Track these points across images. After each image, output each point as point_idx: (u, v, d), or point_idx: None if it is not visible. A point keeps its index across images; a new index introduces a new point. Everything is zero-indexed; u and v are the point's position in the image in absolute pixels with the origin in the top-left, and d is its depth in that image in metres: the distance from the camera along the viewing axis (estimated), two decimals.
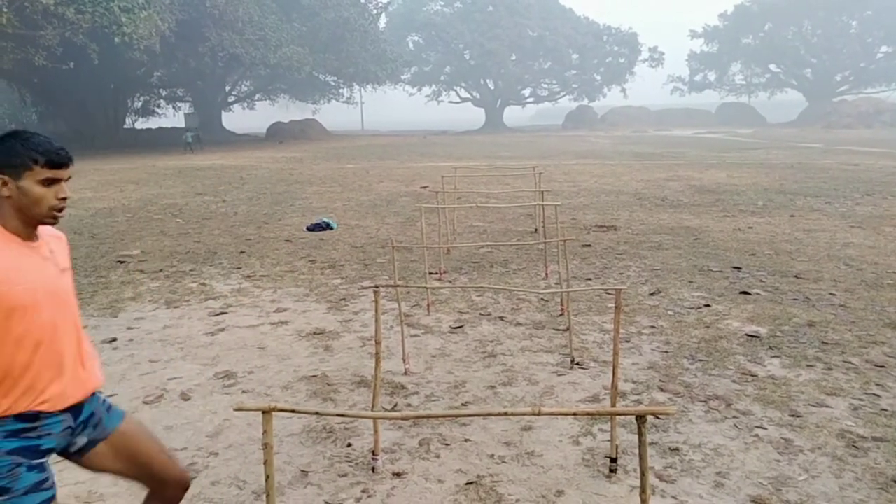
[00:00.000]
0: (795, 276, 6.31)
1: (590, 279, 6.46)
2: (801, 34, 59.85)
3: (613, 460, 2.91)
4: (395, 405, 3.71)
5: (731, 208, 10.80)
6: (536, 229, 8.99)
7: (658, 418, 3.38)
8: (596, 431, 3.30)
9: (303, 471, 2.99)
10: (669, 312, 5.28)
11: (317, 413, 2.18)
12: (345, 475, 2.95)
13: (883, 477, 2.82)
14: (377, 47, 42.94)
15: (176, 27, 27.90)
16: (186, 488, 2.07)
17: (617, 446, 2.93)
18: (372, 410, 3.04)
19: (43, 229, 1.84)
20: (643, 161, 21.30)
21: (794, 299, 5.55)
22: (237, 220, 10.60)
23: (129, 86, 38.77)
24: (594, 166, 19.52)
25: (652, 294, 5.84)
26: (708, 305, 5.43)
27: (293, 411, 1.81)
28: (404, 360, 4.23)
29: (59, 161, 1.76)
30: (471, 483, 2.86)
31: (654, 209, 10.90)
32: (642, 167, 18.93)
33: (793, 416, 3.42)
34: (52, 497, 1.73)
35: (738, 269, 6.68)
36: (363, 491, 2.82)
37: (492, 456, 3.09)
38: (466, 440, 3.24)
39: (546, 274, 6.63)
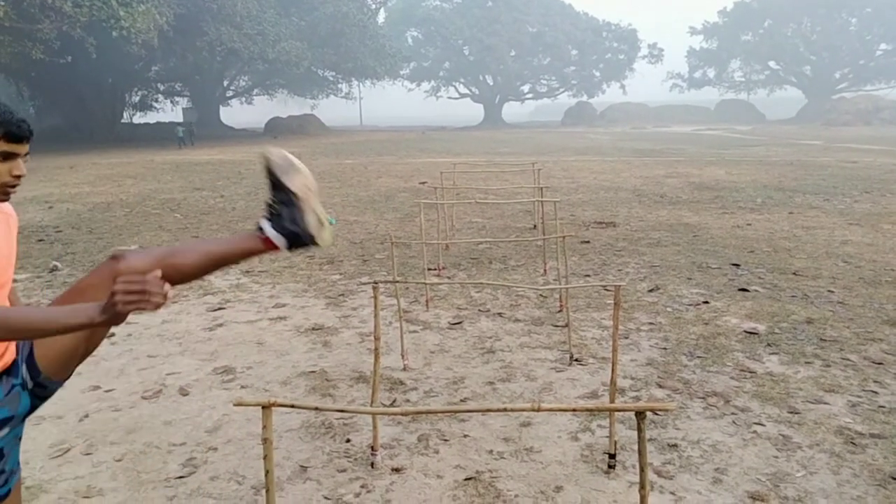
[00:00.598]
0: (794, 273, 6.31)
1: (588, 276, 6.46)
2: (800, 31, 59.85)
3: (612, 456, 2.91)
4: (394, 401, 3.71)
5: (729, 205, 10.81)
6: (535, 226, 8.99)
7: (657, 414, 3.39)
8: (594, 427, 3.30)
9: (302, 466, 2.99)
10: (668, 309, 5.29)
11: (316, 408, 2.18)
12: (344, 470, 2.95)
13: (881, 473, 2.83)
14: (376, 42, 42.88)
15: (174, 21, 27.83)
16: (126, 259, 1.68)
17: (616, 442, 2.94)
18: (371, 406, 3.04)
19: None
20: (642, 158, 21.30)
21: (793, 296, 5.55)
22: (235, 215, 10.58)
23: (127, 80, 38.67)
24: (593, 163, 19.51)
25: (650, 291, 5.84)
26: (706, 302, 5.44)
27: (293, 406, 1.81)
28: (403, 356, 4.23)
29: (18, 134, 1.61)
30: (470, 478, 2.86)
31: (652, 206, 10.90)
32: (641, 164, 18.93)
33: (791, 412, 3.43)
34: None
35: (737, 265, 6.68)
36: (362, 486, 2.82)
37: (491, 451, 3.09)
38: (465, 436, 3.24)
39: (545, 270, 6.63)
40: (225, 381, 4.01)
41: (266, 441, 1.72)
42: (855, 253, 7.14)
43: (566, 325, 4.52)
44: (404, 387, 3.88)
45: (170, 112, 50.74)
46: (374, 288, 3.12)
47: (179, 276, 1.69)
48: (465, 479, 2.86)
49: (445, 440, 3.21)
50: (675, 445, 3.11)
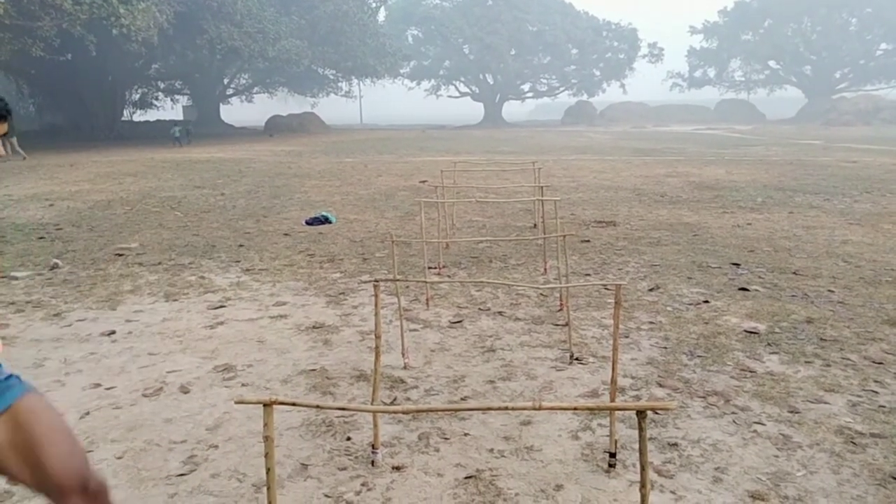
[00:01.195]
0: (794, 273, 6.32)
1: (589, 275, 6.46)
2: (800, 31, 59.81)
3: (612, 455, 2.91)
4: (395, 399, 3.71)
5: (729, 205, 10.81)
6: (535, 224, 8.99)
7: (657, 413, 3.39)
8: (595, 426, 3.30)
9: (302, 464, 2.99)
10: (668, 308, 5.29)
11: (317, 406, 2.18)
12: (344, 468, 2.95)
13: (881, 473, 2.83)
14: (376, 41, 42.84)
15: (174, 19, 27.80)
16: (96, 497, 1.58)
17: (616, 441, 2.94)
18: (371, 404, 3.05)
19: None
20: (642, 157, 21.30)
21: (793, 296, 5.56)
22: (236, 213, 10.58)
23: (127, 78, 38.63)
24: (593, 162, 19.51)
25: (651, 290, 5.84)
26: (707, 301, 5.44)
27: (294, 404, 1.81)
28: (403, 355, 4.23)
29: None
30: (470, 477, 2.86)
31: (653, 205, 10.90)
32: (641, 163, 18.93)
33: (791, 412, 3.43)
34: None
35: (737, 265, 6.69)
36: (363, 484, 2.82)
37: (491, 450, 3.09)
38: (466, 434, 3.25)
39: (545, 269, 6.64)
40: (226, 378, 4.01)
41: (267, 439, 1.73)
42: (855, 252, 7.15)
43: (566, 324, 4.52)
44: (405, 385, 3.88)
45: (170, 110, 50.70)
46: (375, 286, 3.12)
47: None
48: (466, 478, 2.86)
49: (446, 438, 3.21)
50: (675, 444, 3.11)
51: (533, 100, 73.03)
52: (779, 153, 22.16)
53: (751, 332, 4.66)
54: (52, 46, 24.71)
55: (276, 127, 43.57)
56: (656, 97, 70.38)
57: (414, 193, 12.47)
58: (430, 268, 6.60)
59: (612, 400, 2.95)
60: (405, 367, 4.13)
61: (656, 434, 3.21)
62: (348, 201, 11.74)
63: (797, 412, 3.43)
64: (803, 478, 2.81)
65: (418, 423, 3.36)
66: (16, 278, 6.43)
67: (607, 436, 3.06)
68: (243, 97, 54.65)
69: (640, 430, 1.61)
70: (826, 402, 3.54)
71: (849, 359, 4.14)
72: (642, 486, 1.69)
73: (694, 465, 2.93)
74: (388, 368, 4.08)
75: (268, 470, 1.76)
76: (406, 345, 4.30)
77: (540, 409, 1.64)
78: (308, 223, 9.45)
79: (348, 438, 3.22)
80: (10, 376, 1.60)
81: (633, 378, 3.92)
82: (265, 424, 1.71)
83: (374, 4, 45.52)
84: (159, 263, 7.10)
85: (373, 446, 3.00)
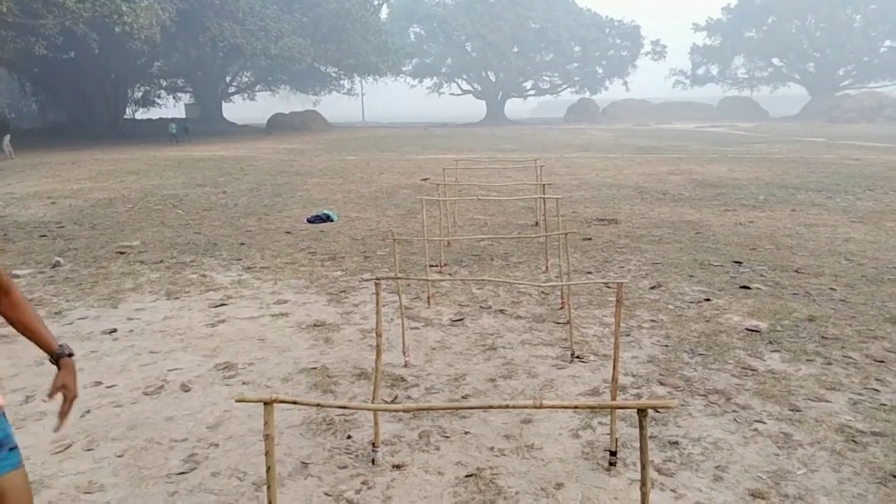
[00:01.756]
0: (796, 271, 6.30)
1: (590, 273, 6.46)
2: (804, 28, 59.62)
3: (613, 453, 2.91)
4: (396, 397, 3.72)
5: (732, 202, 10.79)
6: (537, 222, 8.98)
7: (658, 412, 3.38)
8: (595, 425, 3.30)
9: (303, 462, 2.99)
10: (670, 306, 5.28)
11: (318, 405, 2.18)
12: (345, 467, 2.95)
13: (882, 471, 2.83)
14: (378, 38, 42.80)
15: (176, 17, 27.80)
16: None
17: (617, 439, 2.94)
18: (372, 402, 3.05)
19: None
20: (644, 154, 21.26)
21: (795, 294, 5.55)
22: (237, 211, 10.59)
23: (130, 76, 38.66)
24: (595, 159, 19.48)
25: (652, 288, 5.84)
26: (708, 300, 5.43)
27: (294, 403, 1.81)
28: (404, 353, 4.23)
29: None
30: (470, 475, 2.86)
31: (655, 203, 10.89)
32: (644, 161, 18.90)
33: (792, 410, 3.43)
34: None
35: (739, 263, 6.67)
36: (363, 483, 2.82)
37: (492, 448, 3.09)
38: (466, 433, 3.25)
39: (547, 267, 6.63)
40: (226, 377, 4.02)
41: (268, 437, 1.73)
42: (857, 250, 7.13)
43: (568, 323, 4.52)
44: (405, 383, 3.89)
45: (172, 108, 50.76)
46: (376, 284, 3.12)
47: None
48: (466, 476, 2.86)
49: (446, 437, 3.21)
50: (676, 443, 3.11)
51: (535, 97, 72.91)
52: (782, 151, 22.11)
53: (752, 331, 4.65)
54: (55, 44, 24.75)
55: (278, 125, 43.56)
56: (659, 94, 70.22)
57: (416, 191, 12.47)
58: (431, 266, 6.60)
59: (613, 398, 2.95)
60: (406, 366, 4.14)
61: (657, 432, 3.20)
62: (350, 199, 11.74)
63: (798, 410, 3.42)
64: (804, 476, 2.81)
65: (419, 422, 3.36)
66: (18, 276, 6.45)
67: (608, 434, 3.05)
68: (245, 95, 54.66)
69: (641, 428, 1.61)
70: (827, 401, 3.53)
71: (850, 357, 4.13)
72: (643, 484, 1.69)
73: (694, 464, 2.93)
74: (389, 367, 4.08)
75: (268, 468, 1.76)
76: (407, 343, 4.30)
77: (541, 407, 1.63)
78: (310, 221, 9.46)
79: (349, 437, 3.22)
80: (13, 449, 1.70)
81: (634, 376, 3.92)
82: (266, 423, 1.72)
83: (376, 2, 45.48)
84: (161, 261, 7.11)
85: (373, 444, 3.00)
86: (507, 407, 1.68)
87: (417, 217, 9.49)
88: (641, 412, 1.62)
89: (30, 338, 1.88)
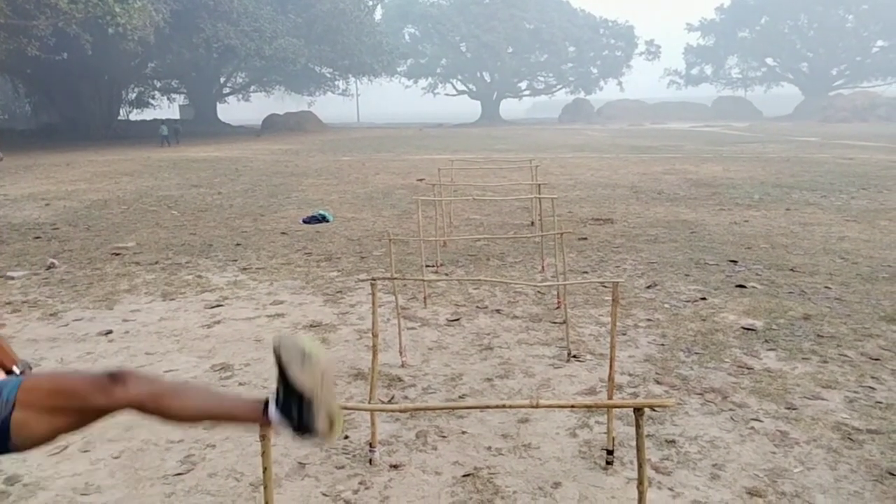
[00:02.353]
0: (791, 270, 6.33)
1: (586, 272, 6.46)
2: (797, 28, 59.90)
3: (610, 452, 2.92)
4: (392, 397, 3.71)
5: (727, 202, 10.82)
6: (533, 222, 8.98)
7: (655, 411, 3.39)
8: (592, 424, 3.30)
9: (300, 463, 2.99)
10: (666, 305, 5.29)
11: None
12: (342, 467, 2.95)
13: (878, 469, 2.84)
14: (373, 39, 42.75)
15: (170, 18, 27.72)
16: (125, 383, 1.61)
17: (614, 438, 2.94)
18: (369, 403, 3.04)
19: None
20: (639, 154, 21.31)
21: (790, 292, 5.57)
22: (233, 212, 10.56)
23: (124, 77, 38.53)
24: (591, 159, 19.52)
25: (648, 287, 5.85)
26: (704, 299, 5.45)
27: None
28: (401, 353, 4.22)
29: None
30: (468, 475, 2.86)
31: (650, 202, 10.91)
32: (639, 160, 18.94)
33: (788, 408, 3.44)
34: None
35: (735, 262, 6.69)
36: (360, 483, 2.82)
37: (489, 448, 3.09)
38: (463, 432, 3.25)
39: (543, 267, 6.64)
40: (223, 377, 4.00)
41: (263, 438, 1.72)
42: (852, 249, 7.16)
43: (564, 322, 4.52)
44: (402, 383, 3.88)
45: (167, 109, 50.59)
46: (372, 285, 3.11)
47: (161, 413, 1.61)
48: (464, 476, 2.86)
49: (444, 437, 3.21)
50: (672, 441, 3.11)
51: (530, 98, 72.96)
52: (776, 150, 22.19)
53: (748, 329, 4.67)
54: (48, 45, 24.62)
55: (272, 126, 43.49)
56: (653, 95, 70.37)
57: (411, 192, 12.46)
58: (427, 266, 6.59)
59: (610, 397, 2.95)
60: (403, 366, 4.13)
61: (654, 431, 3.21)
62: (346, 200, 11.72)
63: (794, 409, 3.43)
64: (800, 474, 2.82)
65: (416, 422, 3.36)
66: (12, 278, 6.42)
67: (605, 433, 3.06)
68: (240, 96, 54.55)
69: (638, 427, 1.61)
70: (823, 399, 3.55)
71: (846, 355, 4.15)
72: (640, 483, 1.69)
73: (691, 462, 2.93)
74: (386, 367, 4.08)
75: (264, 469, 1.76)
76: (404, 343, 4.30)
77: (537, 406, 1.64)
78: (305, 222, 9.44)
79: (346, 437, 3.21)
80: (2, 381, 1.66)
81: (630, 375, 3.92)
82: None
83: (370, 2, 45.45)
84: (156, 263, 7.08)
85: (370, 445, 3.00)
86: (503, 406, 1.68)
87: (413, 217, 9.48)
88: (638, 411, 1.63)
89: None
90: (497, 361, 4.19)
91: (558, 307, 5.23)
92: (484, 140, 31.48)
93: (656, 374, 3.94)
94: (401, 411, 3.43)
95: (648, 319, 4.95)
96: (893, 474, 2.79)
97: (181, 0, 28.91)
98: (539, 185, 7.33)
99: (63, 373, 1.67)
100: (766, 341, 4.43)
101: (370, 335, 3.18)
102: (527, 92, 67.95)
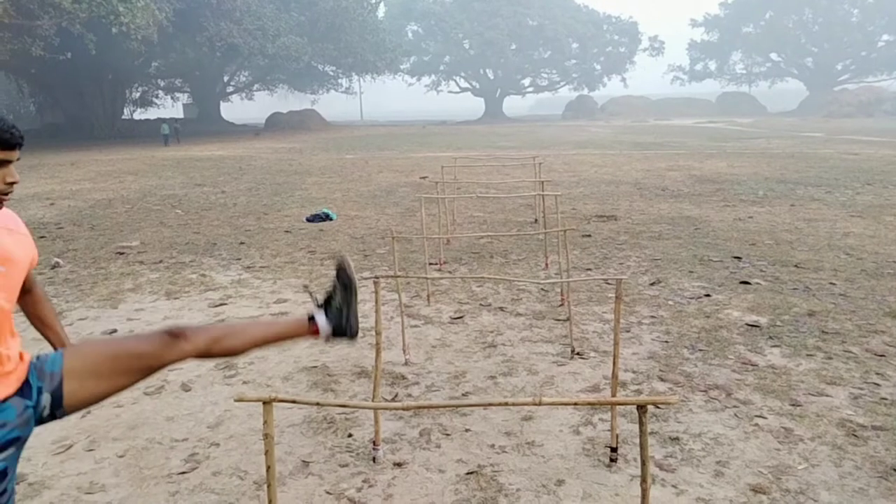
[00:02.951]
0: (796, 266, 6.30)
1: (590, 269, 6.45)
2: (802, 23, 59.60)
3: (614, 450, 2.91)
4: (396, 395, 3.71)
5: (731, 198, 10.79)
6: (536, 219, 8.98)
7: (658, 408, 3.38)
8: (596, 421, 3.30)
9: (304, 461, 2.99)
10: (670, 302, 5.28)
11: (317, 403, 2.18)
12: (346, 465, 2.95)
13: (883, 465, 2.83)
14: (376, 37, 42.72)
15: (173, 17, 27.78)
16: (186, 337, 1.80)
17: (617, 436, 2.94)
18: (372, 401, 3.05)
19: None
20: (643, 151, 21.26)
21: (795, 289, 5.55)
22: (236, 210, 10.58)
23: (127, 76, 38.63)
24: (594, 156, 19.48)
25: (652, 284, 5.84)
26: (708, 295, 5.43)
27: (294, 402, 1.81)
28: (405, 351, 4.23)
29: (10, 141, 1.61)
30: (471, 473, 2.86)
31: (654, 199, 10.89)
32: (642, 157, 18.90)
33: (793, 405, 3.43)
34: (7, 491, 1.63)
35: (739, 258, 6.67)
36: (364, 481, 2.82)
37: (492, 446, 3.09)
38: (467, 430, 3.25)
39: (546, 264, 6.63)
40: (227, 376, 4.01)
41: (268, 436, 1.73)
42: (857, 245, 7.13)
43: (568, 319, 4.51)
44: (406, 381, 3.89)
45: (170, 108, 50.72)
46: (376, 283, 3.11)
47: (225, 352, 1.88)
48: (467, 474, 2.86)
49: (447, 434, 3.21)
50: (676, 439, 3.11)
51: (533, 94, 72.89)
52: (780, 146, 22.11)
53: (752, 326, 4.65)
54: (52, 45, 24.70)
55: (276, 124, 43.49)
56: (657, 91, 70.18)
57: (414, 189, 12.46)
58: (430, 264, 6.59)
59: (614, 395, 2.95)
60: (406, 364, 4.13)
61: (657, 428, 3.20)
62: (349, 198, 11.73)
63: (799, 405, 3.42)
64: (805, 471, 2.81)
65: (419, 420, 3.36)
66: None
67: (608, 430, 3.05)
68: (243, 94, 54.57)
69: (641, 424, 1.61)
70: (828, 395, 3.53)
71: (850, 351, 4.14)
72: (643, 480, 1.69)
73: (695, 459, 2.93)
74: (390, 365, 4.08)
75: (268, 468, 1.76)
76: (407, 341, 4.30)
77: (541, 404, 1.63)
78: (309, 220, 9.45)
79: (349, 435, 3.22)
80: (45, 356, 1.76)
81: (634, 372, 3.92)
82: (265, 422, 1.71)
83: (373, 0, 45.39)
84: (160, 262, 7.10)
85: (374, 443, 3.00)
86: (507, 404, 1.68)
87: (416, 215, 9.48)
88: (642, 408, 1.62)
89: (44, 333, 2.03)
90: (500, 359, 4.19)
91: (562, 304, 5.22)
92: (487, 137, 31.44)
93: (660, 371, 3.93)
94: (404, 409, 3.44)
95: (652, 316, 4.94)
96: None
97: None
98: (542, 182, 7.32)
99: (117, 338, 1.94)
100: (771, 338, 4.42)
101: (374, 333, 3.18)
102: (530, 89, 67.84)
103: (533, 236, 7.78)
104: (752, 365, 3.97)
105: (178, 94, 50.99)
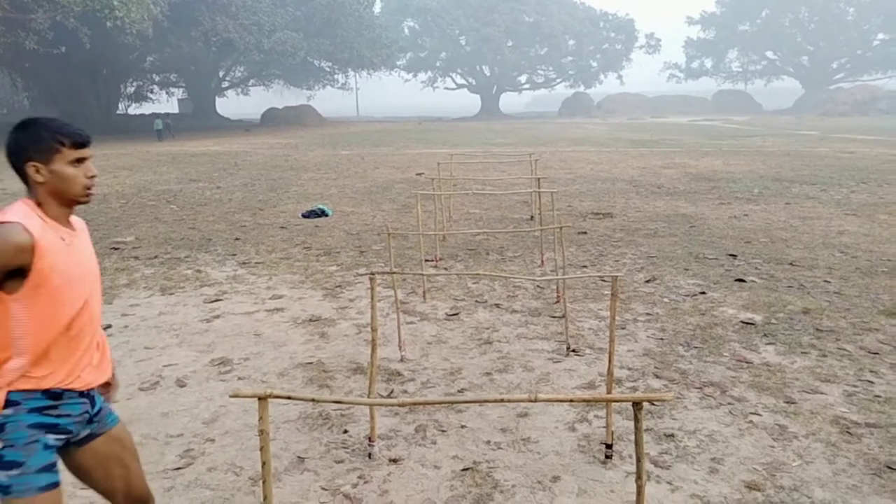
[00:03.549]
0: (790, 264, 6.32)
1: (586, 266, 6.46)
2: (798, 21, 59.71)
3: (609, 446, 2.92)
4: (392, 392, 3.71)
5: (726, 196, 10.81)
6: (532, 216, 8.98)
7: (654, 405, 3.39)
8: (591, 418, 3.31)
9: (299, 457, 2.99)
10: (665, 300, 5.29)
11: (313, 400, 2.17)
12: (341, 461, 2.95)
13: (876, 462, 2.84)
14: (372, 32, 42.58)
15: (168, 11, 27.61)
16: None
17: (612, 432, 2.94)
18: (368, 397, 3.04)
19: (73, 218, 1.88)
20: (639, 148, 21.28)
21: (789, 287, 5.57)
22: (232, 206, 10.55)
23: (122, 71, 38.40)
24: (590, 153, 19.49)
25: (647, 281, 5.85)
26: (703, 293, 5.45)
27: (289, 398, 1.80)
28: (400, 347, 4.23)
29: (82, 141, 1.79)
30: (467, 469, 2.87)
31: (650, 196, 10.90)
32: (638, 154, 18.92)
33: (787, 402, 3.44)
34: (58, 483, 1.78)
35: (734, 256, 6.69)
36: (360, 477, 2.82)
37: (488, 442, 3.09)
38: (463, 426, 3.25)
39: (542, 261, 6.63)
40: (222, 372, 4.01)
41: (263, 432, 1.72)
42: (851, 243, 7.16)
43: (563, 316, 4.52)
44: (401, 378, 3.88)
45: (165, 103, 50.39)
46: (371, 279, 3.11)
47: None
48: (463, 470, 2.86)
49: (443, 431, 3.21)
50: (671, 435, 3.12)
51: (530, 91, 72.87)
52: (776, 144, 22.16)
53: (747, 323, 4.67)
54: (46, 39, 24.53)
55: (272, 120, 43.34)
56: (653, 88, 70.26)
57: (410, 186, 12.44)
58: (426, 260, 6.59)
59: (609, 391, 2.95)
60: (402, 360, 4.13)
61: (653, 425, 3.21)
62: (345, 194, 11.71)
63: (793, 402, 3.43)
64: (799, 468, 2.82)
65: (415, 416, 3.36)
66: None
67: (604, 427, 3.06)
68: (239, 90, 54.33)
69: (637, 421, 1.61)
70: (822, 393, 3.55)
71: (845, 349, 4.15)
72: (639, 477, 1.69)
73: (690, 456, 2.94)
74: (385, 361, 4.08)
75: (263, 463, 1.76)
76: (403, 337, 4.30)
77: (536, 401, 1.63)
78: (304, 216, 9.43)
79: (345, 431, 3.22)
80: (111, 411, 2.00)
81: (629, 369, 3.93)
82: (260, 418, 1.71)
83: None
84: (155, 257, 7.08)
85: (370, 439, 3.00)
86: (502, 401, 1.68)
87: (412, 211, 9.47)
88: (637, 405, 1.62)
89: None
90: (496, 356, 4.20)
91: (557, 301, 5.23)
92: (483, 134, 31.42)
93: (655, 368, 3.94)
94: (400, 405, 3.44)
95: (647, 314, 4.95)
96: (892, 468, 2.79)
97: None
98: (538, 179, 7.33)
99: (138, 460, 2.13)
100: (765, 335, 4.43)
101: (369, 329, 3.18)
102: (526, 85, 67.81)
103: (529, 233, 7.78)
104: (746, 362, 3.99)
105: (173, 90, 50.71)
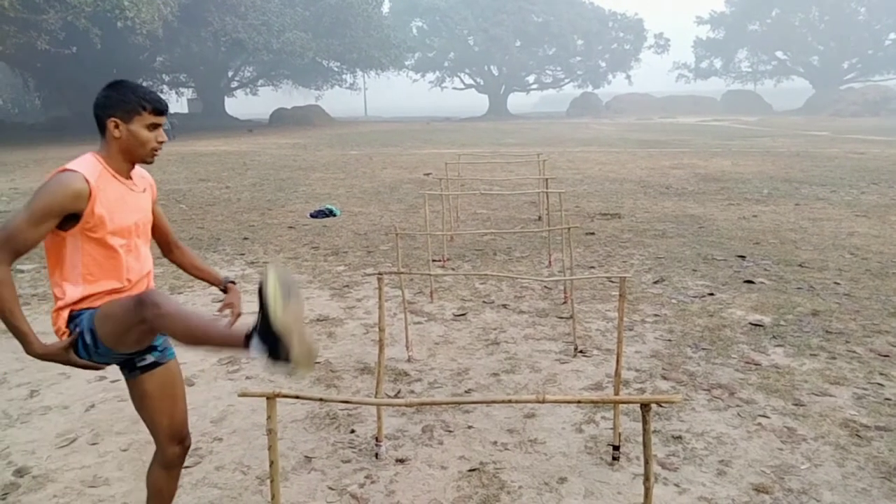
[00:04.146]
0: (800, 265, 6.29)
1: (593, 267, 6.45)
2: (808, 21, 59.29)
3: (616, 448, 2.91)
4: (399, 392, 3.72)
5: (735, 197, 10.76)
6: (540, 217, 8.96)
7: (661, 406, 3.38)
8: (599, 419, 3.30)
9: (306, 456, 3.00)
10: (673, 301, 5.27)
11: (321, 399, 2.18)
12: (348, 461, 2.96)
13: (886, 466, 2.82)
14: (380, 33, 42.64)
15: (178, 11, 27.78)
16: (187, 450, 2.20)
17: (620, 434, 2.94)
18: (375, 397, 3.05)
19: (136, 170, 2.12)
20: (648, 149, 21.20)
21: (799, 288, 5.53)
22: (240, 206, 10.59)
23: (132, 71, 38.57)
24: (598, 154, 19.43)
25: (656, 282, 5.83)
26: (712, 294, 5.42)
27: (297, 397, 1.81)
28: (408, 348, 4.23)
29: (162, 108, 1.98)
30: (474, 470, 2.87)
31: (658, 197, 10.86)
32: (647, 155, 18.85)
33: (796, 404, 3.42)
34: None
35: (743, 257, 6.66)
36: (366, 477, 2.83)
37: (495, 443, 3.09)
38: (469, 427, 3.25)
39: (550, 262, 6.62)
40: (230, 371, 4.02)
41: (271, 432, 1.73)
42: (862, 245, 7.10)
43: (571, 317, 4.51)
44: (409, 378, 3.89)
45: (175, 103, 50.69)
46: (379, 279, 3.12)
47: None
48: (470, 471, 2.86)
49: (450, 431, 3.21)
50: (679, 437, 3.11)
51: (538, 91, 72.67)
52: (785, 144, 22.02)
53: (756, 325, 4.64)
54: (58, 39, 24.72)
55: (280, 119, 43.47)
56: (662, 88, 69.97)
57: (418, 186, 12.45)
58: (434, 260, 6.60)
59: (617, 393, 2.95)
60: (409, 360, 4.14)
61: (660, 427, 3.20)
62: (353, 194, 11.73)
63: (802, 405, 3.41)
64: (808, 471, 2.81)
65: (422, 416, 3.36)
66: (22, 271, 6.46)
67: (611, 429, 3.05)
68: (248, 90, 54.56)
69: (644, 423, 1.61)
70: (831, 395, 3.53)
71: (854, 351, 4.13)
72: (646, 479, 1.69)
73: (698, 458, 2.93)
74: (393, 361, 4.09)
75: (271, 463, 1.77)
76: (410, 338, 4.30)
77: (543, 402, 1.63)
78: (313, 216, 9.46)
79: (352, 431, 3.23)
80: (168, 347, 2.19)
81: (637, 371, 3.91)
82: (268, 417, 1.72)
83: None
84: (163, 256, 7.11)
85: (377, 439, 3.01)
86: (510, 401, 1.68)
87: (420, 212, 9.48)
88: (645, 407, 1.62)
89: (199, 276, 2.53)
90: (503, 356, 4.19)
91: (565, 302, 5.22)
92: (491, 134, 31.39)
93: (663, 369, 3.93)
94: (407, 406, 3.44)
95: (655, 315, 4.93)
96: None
97: None
98: (546, 179, 7.31)
99: (185, 395, 2.27)
100: (774, 337, 4.41)
101: (377, 329, 3.18)
102: (535, 86, 67.67)
103: (536, 234, 7.77)
104: (755, 364, 3.97)
105: (182, 89, 51.00)
